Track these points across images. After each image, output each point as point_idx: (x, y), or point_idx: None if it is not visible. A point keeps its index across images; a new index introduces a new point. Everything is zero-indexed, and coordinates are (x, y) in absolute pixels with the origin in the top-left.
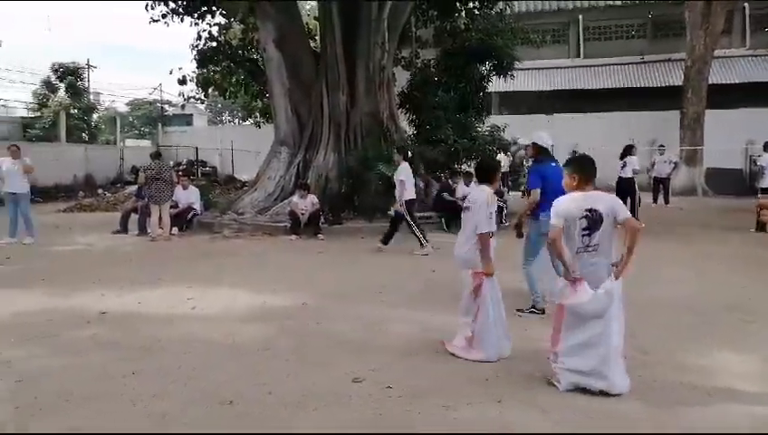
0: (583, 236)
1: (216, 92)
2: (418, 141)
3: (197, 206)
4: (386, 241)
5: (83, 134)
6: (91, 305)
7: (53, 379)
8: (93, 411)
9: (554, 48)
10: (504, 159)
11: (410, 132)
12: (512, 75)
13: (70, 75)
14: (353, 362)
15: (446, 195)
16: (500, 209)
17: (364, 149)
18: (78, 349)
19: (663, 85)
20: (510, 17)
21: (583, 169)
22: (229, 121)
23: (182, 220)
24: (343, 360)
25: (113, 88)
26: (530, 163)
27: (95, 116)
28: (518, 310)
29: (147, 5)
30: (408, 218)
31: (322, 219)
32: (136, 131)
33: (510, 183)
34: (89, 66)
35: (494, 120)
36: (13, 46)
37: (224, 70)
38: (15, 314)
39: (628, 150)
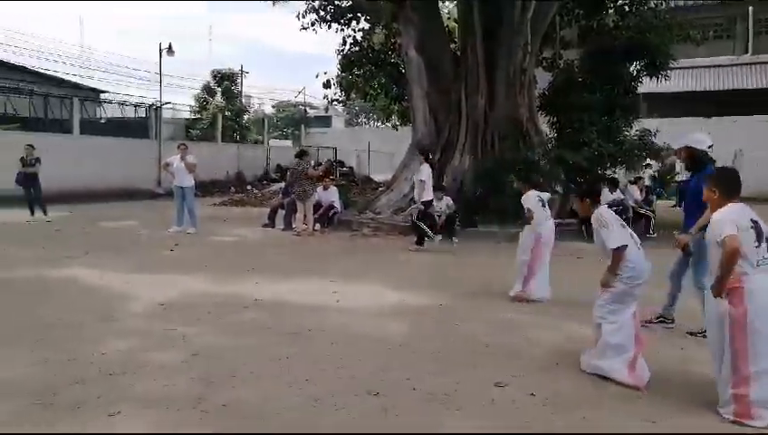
0: (757, 247)
1: (357, 95)
2: (558, 145)
3: (338, 205)
4: (420, 242)
5: (235, 134)
6: (247, 292)
7: (221, 355)
8: (256, 389)
9: (716, 44)
10: (654, 166)
11: (550, 135)
12: (666, 75)
13: (226, 81)
14: (495, 365)
15: None
16: (647, 219)
17: (501, 152)
18: (239, 331)
19: None
20: (665, 12)
21: (727, 182)
22: (365, 123)
23: (324, 218)
24: (485, 363)
25: (261, 91)
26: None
27: (245, 117)
28: (690, 332)
29: (298, 14)
30: (420, 217)
31: (457, 222)
32: (279, 132)
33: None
34: (242, 72)
35: (643, 123)
36: (181, 55)
37: (366, 74)
38: (186, 295)
39: None
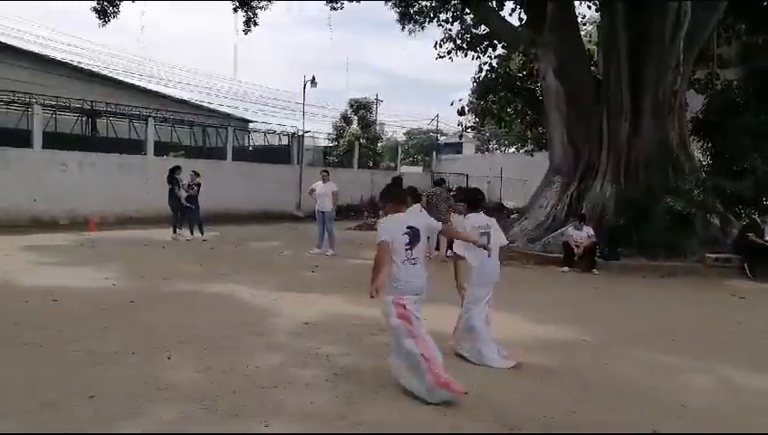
0: (408, 250)
1: (492, 122)
2: (714, 173)
3: None
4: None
5: (369, 161)
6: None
7: (363, 376)
8: (397, 412)
9: None
10: None
11: (704, 161)
12: None
13: (362, 109)
14: (646, 410)
15: (751, 235)
16: None
17: (648, 180)
18: (379, 353)
19: None
20: None
21: (396, 194)
22: (496, 149)
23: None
24: (634, 407)
25: (393, 118)
26: None
27: (379, 144)
28: None
29: (435, 43)
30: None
31: (598, 253)
32: (410, 158)
33: None
34: (377, 100)
35: None
36: (320, 84)
37: (501, 100)
38: (327, 314)
39: None
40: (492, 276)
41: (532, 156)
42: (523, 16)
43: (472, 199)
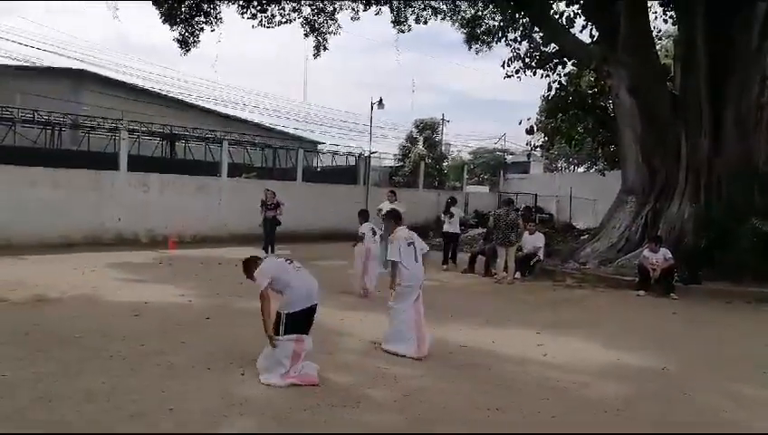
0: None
1: (561, 140)
2: None
3: (541, 253)
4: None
5: (435, 181)
6: (452, 337)
7: (431, 399)
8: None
9: None
10: None
11: None
12: None
13: (427, 129)
14: None
15: None
16: None
17: (731, 200)
18: (447, 376)
19: None
20: None
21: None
22: (564, 169)
23: (525, 265)
24: None
25: (459, 137)
26: None
27: (444, 164)
28: None
29: (503, 63)
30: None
31: (676, 277)
32: (476, 178)
33: None
34: (443, 120)
35: None
36: (387, 106)
37: (571, 118)
38: None
39: None
40: (418, 278)
41: (603, 175)
42: (595, 33)
43: (397, 217)
